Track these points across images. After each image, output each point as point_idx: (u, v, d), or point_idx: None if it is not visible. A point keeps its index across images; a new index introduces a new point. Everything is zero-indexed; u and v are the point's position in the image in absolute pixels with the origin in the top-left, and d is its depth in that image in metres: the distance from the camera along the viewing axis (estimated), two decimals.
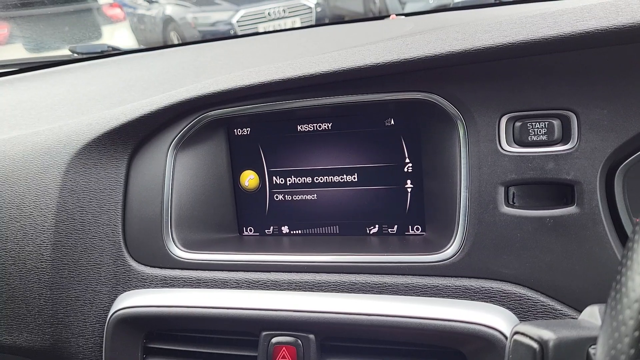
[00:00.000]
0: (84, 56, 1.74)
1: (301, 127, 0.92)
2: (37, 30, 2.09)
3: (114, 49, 1.78)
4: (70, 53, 1.79)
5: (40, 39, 2.10)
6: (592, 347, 0.50)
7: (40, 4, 2.15)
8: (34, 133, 1.01)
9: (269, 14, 6.21)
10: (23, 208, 0.93)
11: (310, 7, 6.37)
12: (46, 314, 0.90)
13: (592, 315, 0.55)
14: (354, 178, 0.91)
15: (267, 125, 0.94)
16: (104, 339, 0.88)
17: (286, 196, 0.95)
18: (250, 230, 0.97)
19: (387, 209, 0.90)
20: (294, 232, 0.95)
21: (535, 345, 0.50)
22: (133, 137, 0.93)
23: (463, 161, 0.79)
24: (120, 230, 0.92)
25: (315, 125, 0.91)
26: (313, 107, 0.87)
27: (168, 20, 6.33)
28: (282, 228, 0.96)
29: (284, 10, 6.22)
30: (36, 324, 0.91)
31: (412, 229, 0.89)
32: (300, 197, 0.94)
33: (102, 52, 1.77)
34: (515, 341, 0.51)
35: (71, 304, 0.90)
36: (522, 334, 0.51)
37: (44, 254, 0.90)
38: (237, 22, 6.10)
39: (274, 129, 0.93)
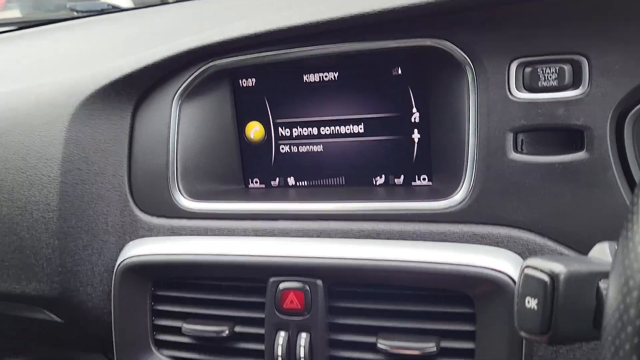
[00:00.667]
0: (84, 14, 1.71)
1: (307, 77, 0.91)
2: None
3: (114, 7, 1.76)
4: (69, 11, 1.77)
5: (38, 2, 2.07)
6: (602, 281, 0.50)
7: None
8: (38, 85, 1.00)
9: None
10: (28, 159, 0.92)
11: None
12: (54, 263, 0.91)
13: (601, 252, 0.55)
14: (361, 129, 0.91)
15: (272, 75, 0.93)
16: (112, 287, 0.89)
17: (292, 147, 0.94)
18: (256, 182, 0.97)
19: (393, 160, 0.90)
20: (300, 183, 0.95)
21: (546, 278, 0.50)
22: (137, 87, 0.92)
23: (472, 108, 0.78)
24: (126, 180, 0.92)
25: (321, 75, 0.91)
26: (319, 55, 0.86)
27: None
28: (288, 179, 0.96)
29: None
30: (45, 273, 0.91)
31: (419, 179, 0.89)
32: (306, 148, 0.94)
33: (102, 10, 1.74)
34: (526, 274, 0.51)
35: (79, 253, 0.91)
36: (533, 267, 0.51)
37: (51, 204, 0.90)
38: None
39: (280, 79, 0.92)
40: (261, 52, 0.88)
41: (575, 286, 0.50)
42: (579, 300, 0.49)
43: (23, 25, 1.66)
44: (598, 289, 0.50)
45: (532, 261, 0.52)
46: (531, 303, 0.51)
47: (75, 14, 1.75)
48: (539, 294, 0.50)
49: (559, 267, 0.50)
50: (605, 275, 0.50)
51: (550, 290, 0.50)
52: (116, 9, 1.75)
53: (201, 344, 0.88)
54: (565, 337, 0.50)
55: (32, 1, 2.11)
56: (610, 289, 0.40)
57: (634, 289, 0.36)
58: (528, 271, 0.52)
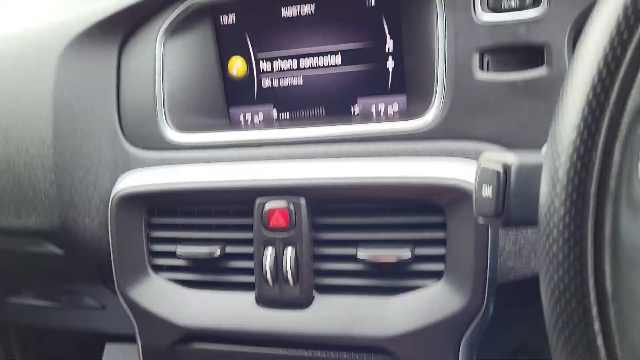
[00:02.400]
0: None
1: (285, 11, 0.95)
2: None
3: None
4: None
5: None
6: None
7: None
8: (24, 29, 1.03)
9: None
10: (21, 100, 0.96)
11: None
12: (52, 197, 0.96)
13: None
14: (338, 60, 0.95)
15: (252, 10, 0.96)
16: (109, 217, 0.94)
17: (273, 81, 0.99)
18: (240, 115, 1.02)
19: (370, 88, 0.94)
20: (282, 115, 1.00)
21: (499, 167, 0.55)
22: (122, 27, 0.96)
23: (440, 32, 0.83)
24: (115, 116, 0.97)
25: (298, 8, 0.94)
26: None
27: None
28: (271, 112, 1.01)
29: None
30: (43, 206, 0.96)
31: (394, 105, 0.94)
32: (287, 81, 0.98)
33: None
34: (483, 168, 0.57)
35: (75, 186, 0.96)
36: (489, 159, 0.57)
37: (46, 141, 0.95)
38: None
39: (259, 14, 0.96)
40: None
41: (525, 175, 0.55)
42: (529, 187, 0.54)
43: None
44: None
45: (487, 154, 0.57)
46: (486, 191, 0.57)
47: None
48: (493, 182, 0.56)
49: (511, 158, 0.56)
50: None
51: (502, 178, 0.55)
52: None
53: (195, 265, 0.94)
54: (517, 220, 0.56)
55: None
56: (542, 175, 0.45)
57: (558, 167, 0.41)
58: (484, 164, 0.57)
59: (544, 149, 0.62)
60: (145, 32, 0.96)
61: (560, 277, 0.41)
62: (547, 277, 0.43)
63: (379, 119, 0.91)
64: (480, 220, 0.58)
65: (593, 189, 0.40)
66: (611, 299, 0.40)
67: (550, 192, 0.42)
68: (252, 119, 1.01)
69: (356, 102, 0.96)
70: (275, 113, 1.00)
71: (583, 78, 0.41)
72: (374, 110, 0.95)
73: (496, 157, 0.57)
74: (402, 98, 0.93)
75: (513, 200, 0.55)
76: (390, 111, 0.94)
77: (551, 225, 0.42)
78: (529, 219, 0.56)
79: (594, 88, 0.40)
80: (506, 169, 0.56)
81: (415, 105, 0.90)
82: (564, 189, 0.41)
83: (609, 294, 0.40)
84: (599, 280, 0.40)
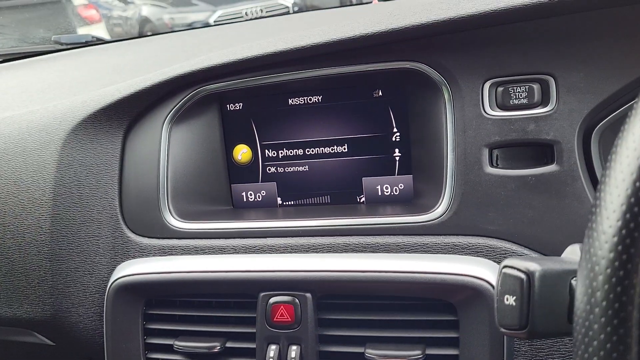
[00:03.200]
0: (69, 46, 1.75)
1: (292, 101, 0.96)
2: (12, 29, 2.09)
3: (98, 39, 1.79)
4: (54, 44, 1.80)
5: (23, 34, 2.10)
6: (574, 278, 0.54)
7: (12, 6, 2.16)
8: (28, 112, 1.02)
9: (246, 13, 6.19)
10: (20, 183, 0.95)
11: (287, 7, 6.39)
12: (46, 285, 0.92)
13: (573, 252, 0.59)
14: (344, 149, 0.95)
15: (259, 99, 0.97)
16: (105, 307, 0.90)
17: (278, 168, 0.98)
18: (244, 203, 1.00)
19: (376, 178, 0.94)
20: (287, 203, 0.99)
21: (522, 275, 0.53)
22: (128, 112, 0.96)
23: (449, 126, 0.83)
24: (117, 203, 0.95)
25: (305, 98, 0.95)
26: (303, 79, 0.90)
27: (145, 22, 6.31)
28: (276, 199, 0.99)
29: (261, 10, 6.20)
30: (36, 295, 0.92)
31: (401, 196, 0.93)
32: (292, 168, 0.97)
33: (86, 42, 1.78)
34: (505, 273, 0.55)
35: (71, 275, 0.93)
36: (511, 266, 0.55)
37: (43, 226, 0.92)
38: (215, 22, 6.09)
39: (266, 103, 0.97)
40: (247, 77, 0.92)
41: (550, 283, 0.53)
42: (554, 296, 0.53)
43: (8, 57, 1.69)
44: (570, 286, 0.54)
45: (510, 261, 0.56)
46: (509, 300, 0.54)
47: (59, 46, 1.78)
48: (516, 291, 0.54)
49: (534, 266, 0.54)
50: (576, 273, 0.54)
51: (526, 287, 0.53)
52: (100, 41, 1.78)
53: None
54: (542, 332, 0.53)
55: (16, 34, 2.14)
56: (578, 285, 0.43)
57: (597, 288, 0.40)
58: (506, 270, 0.55)
59: (566, 253, 0.61)
60: (152, 118, 0.96)
61: None
62: None
63: (385, 210, 0.90)
64: (503, 330, 0.55)
65: (636, 315, 0.38)
66: None
67: (588, 315, 0.40)
68: (256, 207, 1.00)
69: (362, 192, 0.95)
70: (279, 200, 0.99)
71: (619, 197, 0.39)
72: (379, 190, 0.94)
73: (518, 264, 0.55)
74: (409, 189, 0.92)
75: (538, 311, 0.53)
76: (396, 192, 0.93)
77: (591, 352, 0.39)
78: (555, 330, 0.53)
79: (631, 208, 0.38)
80: (529, 276, 0.54)
81: (423, 197, 0.89)
82: (603, 314, 0.39)
83: None
84: None
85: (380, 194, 0.94)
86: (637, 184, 0.38)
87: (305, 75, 0.90)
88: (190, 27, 6.24)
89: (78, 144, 0.95)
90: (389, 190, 0.94)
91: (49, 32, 1.93)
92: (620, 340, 0.38)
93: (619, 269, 0.38)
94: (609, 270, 0.39)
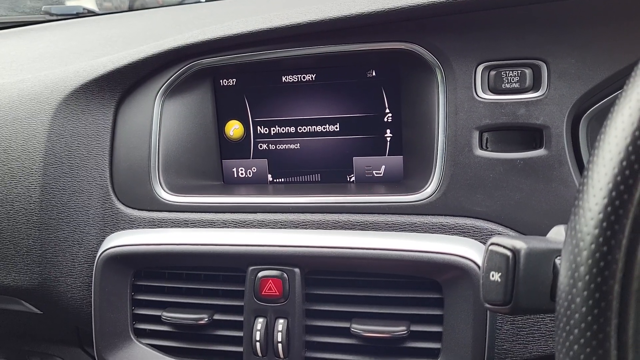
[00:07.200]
0: (59, 17, 1.72)
1: (286, 78, 0.96)
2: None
3: (89, 11, 1.77)
4: (44, 14, 1.77)
5: (13, 3, 2.07)
6: (558, 257, 0.55)
7: None
8: (19, 81, 1.02)
9: None
10: (10, 152, 0.94)
11: None
12: (34, 254, 0.92)
13: (558, 233, 0.60)
14: (336, 128, 0.95)
15: (252, 76, 0.97)
16: (93, 277, 0.91)
17: (270, 145, 0.98)
18: (235, 179, 1.01)
19: (367, 157, 0.95)
20: (278, 180, 0.99)
21: (508, 253, 0.55)
22: (121, 84, 0.95)
23: (441, 108, 0.84)
24: (107, 174, 0.95)
25: (299, 76, 0.95)
26: (298, 57, 0.90)
27: None
28: (266, 176, 1.00)
29: None
30: (24, 263, 0.93)
31: (391, 176, 0.94)
32: (283, 146, 0.98)
33: (77, 13, 1.76)
34: (491, 251, 0.56)
35: (59, 244, 0.93)
36: (497, 244, 0.56)
37: (32, 195, 0.92)
38: None
39: (259, 79, 0.97)
40: (242, 52, 0.92)
41: (535, 261, 0.55)
42: (538, 274, 0.54)
43: None
44: (554, 265, 0.55)
45: (497, 239, 0.57)
46: (495, 276, 0.56)
47: (49, 17, 1.76)
48: (502, 267, 0.55)
49: (520, 244, 0.55)
50: (560, 252, 0.55)
51: (512, 264, 0.55)
52: (91, 13, 1.76)
53: (180, 331, 0.90)
54: (525, 308, 0.55)
55: (6, 2, 2.10)
56: (562, 261, 0.45)
57: (580, 265, 0.41)
58: (493, 248, 0.57)
59: (551, 233, 0.62)
60: (144, 90, 0.95)
61: None
62: None
63: (375, 189, 0.91)
64: (487, 305, 0.57)
65: (617, 288, 0.39)
66: None
67: (570, 288, 0.41)
68: (247, 183, 1.00)
69: (353, 171, 0.96)
70: (270, 178, 0.99)
71: (606, 175, 0.41)
72: (369, 170, 0.94)
73: (504, 242, 0.56)
74: (399, 169, 0.93)
75: (522, 287, 0.54)
76: (386, 172, 0.94)
77: (572, 324, 0.41)
78: (538, 307, 0.55)
79: (617, 186, 0.40)
80: (515, 253, 0.55)
81: (413, 177, 0.90)
82: (586, 288, 0.40)
83: None
84: None
85: (370, 173, 0.95)
86: (624, 162, 0.40)
87: (300, 52, 0.90)
88: (182, 2, 6.17)
89: (69, 114, 0.94)
90: (380, 170, 0.94)
91: (39, 2, 1.90)
92: (601, 313, 0.39)
93: (603, 244, 0.39)
94: (593, 246, 0.40)
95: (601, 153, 0.42)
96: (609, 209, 0.40)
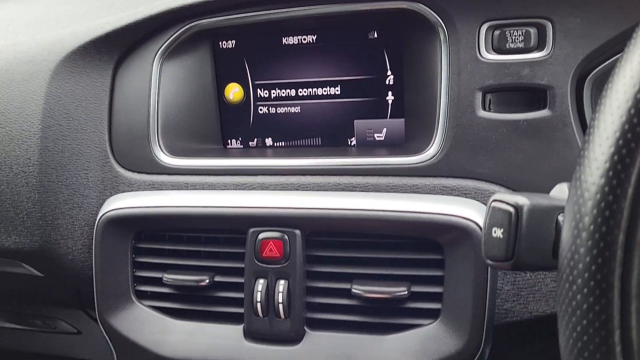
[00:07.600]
0: None
1: (286, 40, 0.94)
2: None
3: None
4: None
5: None
6: (561, 214, 0.55)
7: None
8: (15, 43, 1.00)
9: None
10: (8, 114, 0.93)
11: None
12: (34, 217, 0.92)
13: (561, 190, 0.60)
14: (337, 90, 0.94)
15: (252, 37, 0.95)
16: (94, 240, 0.91)
17: (270, 109, 0.97)
18: (235, 142, 1.00)
19: (367, 115, 0.94)
20: (278, 143, 0.98)
21: (511, 209, 0.54)
22: (118, 46, 0.94)
23: (444, 68, 0.83)
24: (106, 137, 0.94)
25: (300, 37, 0.94)
26: (298, 17, 0.89)
27: None
28: (266, 140, 0.99)
29: None
30: (24, 226, 0.92)
31: (393, 139, 0.93)
32: (284, 109, 0.97)
33: None
34: (493, 207, 0.56)
35: (59, 207, 0.92)
36: (500, 200, 0.56)
37: (31, 158, 0.91)
38: None
39: (259, 41, 0.95)
40: (241, 13, 0.90)
41: (537, 217, 0.54)
42: (540, 230, 0.54)
43: None
44: (557, 222, 0.55)
45: (499, 195, 0.56)
46: (497, 232, 0.55)
47: None
48: (504, 224, 0.55)
49: (522, 200, 0.55)
50: (563, 209, 0.55)
51: (514, 220, 0.54)
52: None
53: (181, 293, 0.91)
54: (526, 264, 0.55)
55: None
56: (566, 214, 0.44)
57: (585, 214, 0.40)
58: (495, 204, 0.56)
59: (554, 191, 0.62)
60: (142, 52, 0.94)
61: (583, 328, 0.40)
62: (569, 328, 0.41)
63: (376, 152, 0.90)
64: (489, 262, 0.56)
65: (621, 238, 0.39)
66: (637, 352, 0.38)
67: (574, 239, 0.41)
68: (247, 146, 1.00)
69: (354, 134, 0.95)
70: (270, 141, 0.99)
71: (613, 124, 0.40)
72: (370, 133, 0.93)
73: (507, 198, 0.56)
74: (401, 133, 0.92)
75: (524, 244, 0.54)
76: (387, 135, 0.93)
77: (575, 274, 0.40)
78: (540, 264, 0.55)
79: (624, 135, 0.39)
80: (518, 210, 0.55)
81: (415, 139, 0.89)
82: (590, 237, 0.40)
83: (635, 348, 0.38)
84: (625, 332, 0.39)
85: (371, 137, 0.94)
86: (632, 110, 0.39)
87: (301, 13, 0.88)
88: None
89: (67, 76, 0.93)
90: (381, 133, 0.94)
91: None
92: (605, 263, 0.39)
93: (609, 193, 0.39)
94: (598, 195, 0.39)
95: (608, 102, 0.42)
96: (615, 157, 0.39)
